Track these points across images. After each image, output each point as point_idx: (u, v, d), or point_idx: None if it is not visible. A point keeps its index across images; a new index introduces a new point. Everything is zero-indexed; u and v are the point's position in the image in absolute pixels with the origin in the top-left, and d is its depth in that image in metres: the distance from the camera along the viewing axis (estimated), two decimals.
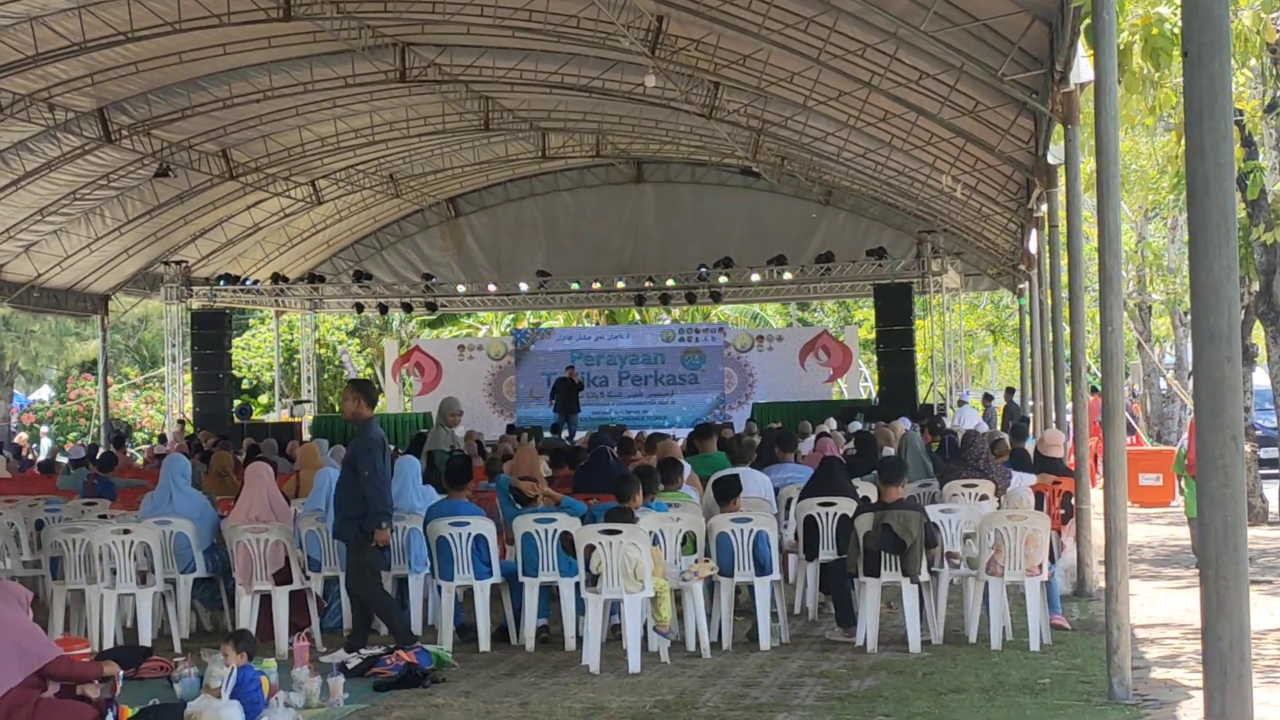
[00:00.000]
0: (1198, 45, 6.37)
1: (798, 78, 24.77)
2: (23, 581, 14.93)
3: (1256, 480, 22.55)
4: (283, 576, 13.52)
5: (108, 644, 13.22)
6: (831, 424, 24.43)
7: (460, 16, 24.68)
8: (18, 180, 30.19)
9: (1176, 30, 10.47)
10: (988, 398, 41.45)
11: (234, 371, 44.39)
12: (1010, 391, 39.35)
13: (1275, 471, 26.60)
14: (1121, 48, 11.39)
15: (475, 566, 13.19)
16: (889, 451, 18.85)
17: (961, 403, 35.96)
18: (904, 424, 23.30)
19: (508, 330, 53.27)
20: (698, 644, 12.61)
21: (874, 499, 13.40)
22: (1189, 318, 6.42)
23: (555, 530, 13.05)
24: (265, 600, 13.52)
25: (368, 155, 36.17)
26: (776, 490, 15.43)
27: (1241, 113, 17.55)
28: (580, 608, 12.75)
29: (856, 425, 24.47)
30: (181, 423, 37.94)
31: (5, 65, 24.62)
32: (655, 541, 12.55)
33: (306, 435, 35.56)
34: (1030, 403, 31.67)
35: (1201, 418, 6.43)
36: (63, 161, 30.08)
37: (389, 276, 43.23)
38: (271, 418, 44.97)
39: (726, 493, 13.58)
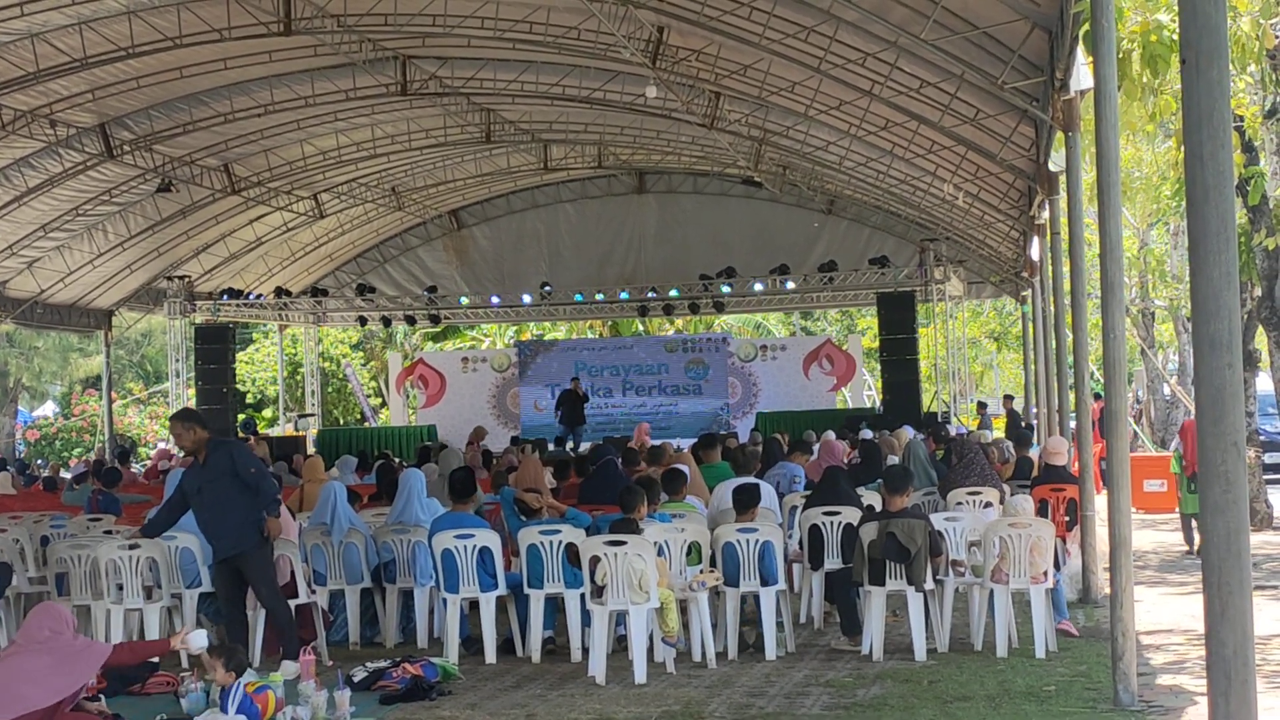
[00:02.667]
0: (1196, 52, 6.38)
1: (799, 87, 24.79)
2: (29, 598, 14.98)
3: (1261, 485, 22.55)
4: (288, 590, 13.51)
5: None
6: (830, 435, 24.43)
7: (461, 29, 24.71)
8: (20, 196, 30.25)
9: (1175, 37, 10.48)
10: (982, 405, 41.42)
11: (238, 386, 44.40)
12: (1009, 399, 39.29)
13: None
14: (1121, 55, 11.39)
15: (480, 579, 13.19)
16: (893, 460, 18.89)
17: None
18: (908, 432, 23.30)
19: (511, 342, 53.29)
20: (703, 654, 12.62)
21: (878, 508, 13.41)
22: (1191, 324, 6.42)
23: (560, 542, 13.05)
24: (271, 614, 13.52)
25: (369, 168, 36.21)
26: (781, 496, 15.51)
27: (1242, 118, 17.55)
28: (586, 619, 12.76)
29: (867, 433, 24.51)
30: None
31: (7, 82, 24.67)
32: (660, 552, 12.57)
33: (311, 449, 35.61)
34: (1034, 410, 31.67)
35: (1203, 425, 6.45)
36: (65, 177, 30.14)
37: (392, 289, 43.27)
38: (276, 432, 44.98)
39: (747, 501, 13.58)
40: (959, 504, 15.07)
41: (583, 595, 12.70)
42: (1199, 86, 6.39)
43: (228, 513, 12.74)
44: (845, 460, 19.32)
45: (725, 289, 38.64)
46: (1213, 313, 6.42)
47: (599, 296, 40.07)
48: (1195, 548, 19.91)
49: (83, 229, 33.78)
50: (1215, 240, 6.39)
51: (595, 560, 12.13)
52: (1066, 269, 18.11)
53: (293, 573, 13.60)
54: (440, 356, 48.84)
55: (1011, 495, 14.78)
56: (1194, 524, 19.99)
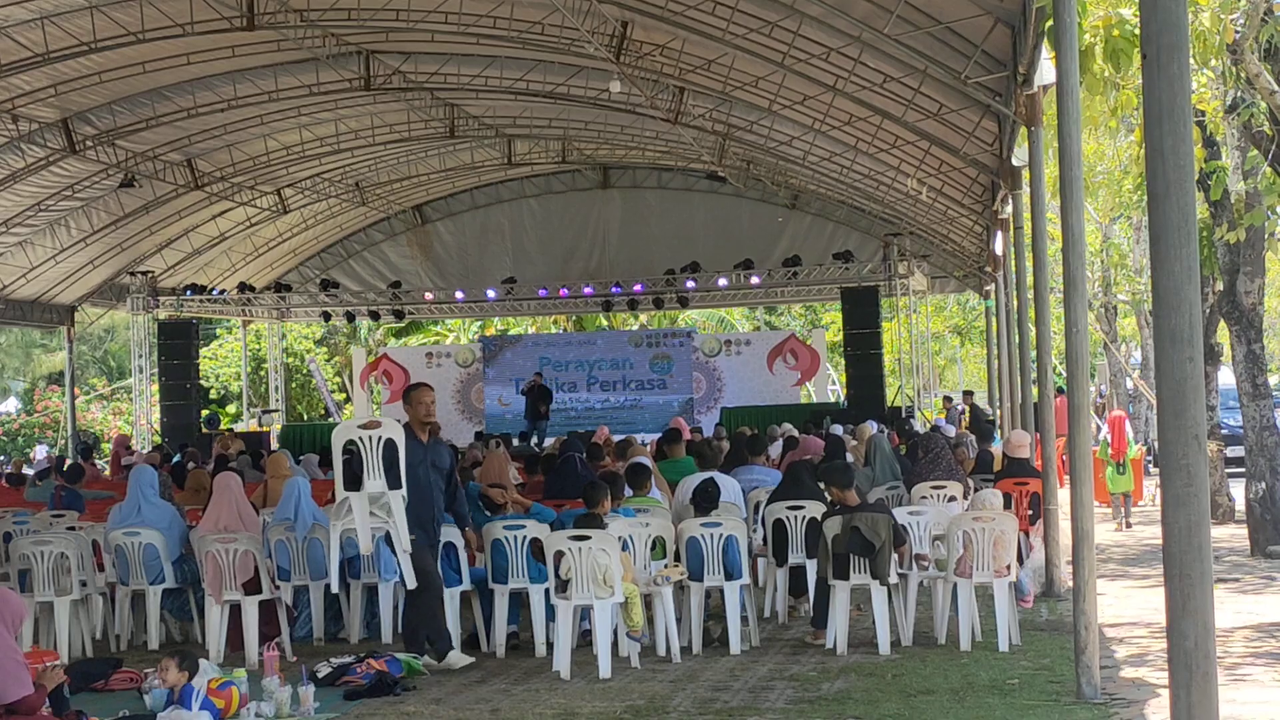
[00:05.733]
0: (1157, 48, 6.40)
1: (763, 82, 24.81)
2: None
3: (1223, 479, 22.65)
4: (252, 586, 13.48)
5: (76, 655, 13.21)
6: (788, 428, 24.33)
7: (424, 24, 24.65)
8: None
9: (1137, 31, 10.52)
10: (947, 400, 41.55)
11: (201, 381, 44.22)
12: (969, 394, 39.39)
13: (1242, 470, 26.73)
14: (1083, 49, 11.42)
15: (445, 574, 13.17)
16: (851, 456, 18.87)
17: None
18: (871, 427, 23.33)
19: (476, 338, 53.19)
20: (668, 649, 12.62)
21: None
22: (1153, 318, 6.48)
23: (525, 537, 13.05)
24: (235, 610, 13.49)
25: (333, 164, 36.11)
26: (745, 494, 15.48)
27: (1203, 113, 17.60)
28: (550, 614, 12.76)
29: (837, 429, 24.47)
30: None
31: None
32: (624, 547, 12.56)
33: (274, 444, 35.47)
34: (997, 404, 31.74)
35: (1165, 418, 6.48)
36: (27, 173, 29.94)
37: (356, 285, 43.14)
38: (240, 427, 44.81)
39: (707, 505, 13.50)
40: (923, 498, 15.10)
41: (547, 590, 12.70)
42: (1160, 81, 6.41)
43: (432, 502, 12.76)
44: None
45: (689, 284, 38.63)
46: (1174, 307, 6.45)
47: (563, 292, 40.05)
48: (1120, 524, 23.05)
49: (45, 224, 33.58)
50: (1176, 235, 6.41)
51: (560, 555, 12.12)
52: (1029, 263, 18.15)
53: (257, 569, 13.55)
54: (404, 352, 48.75)
55: (976, 490, 14.83)
56: (1120, 502, 23.47)
